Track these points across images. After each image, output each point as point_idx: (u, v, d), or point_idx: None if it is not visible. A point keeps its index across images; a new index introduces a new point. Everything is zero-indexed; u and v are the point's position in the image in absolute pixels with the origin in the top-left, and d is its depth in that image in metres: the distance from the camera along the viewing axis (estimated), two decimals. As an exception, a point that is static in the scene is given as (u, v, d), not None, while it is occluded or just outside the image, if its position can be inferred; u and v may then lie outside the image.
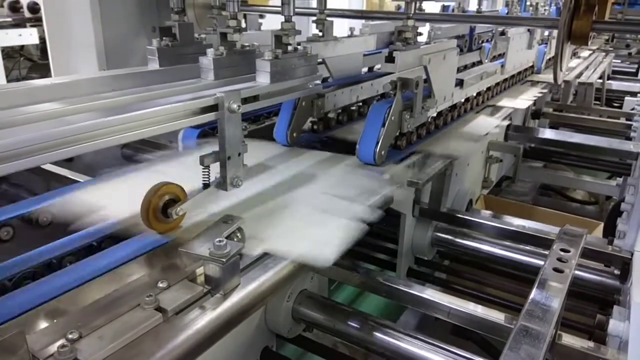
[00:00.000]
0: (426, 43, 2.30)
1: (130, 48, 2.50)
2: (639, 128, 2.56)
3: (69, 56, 2.55)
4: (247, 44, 1.44)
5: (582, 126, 3.01)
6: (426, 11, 2.23)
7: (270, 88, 1.28)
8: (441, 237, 1.68)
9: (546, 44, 3.26)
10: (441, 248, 1.73)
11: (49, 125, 0.89)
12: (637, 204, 1.42)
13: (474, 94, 2.20)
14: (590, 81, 3.32)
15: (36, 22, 4.62)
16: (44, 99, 1.07)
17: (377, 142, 1.47)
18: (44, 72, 4.74)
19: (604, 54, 4.51)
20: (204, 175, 1.15)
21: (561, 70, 1.75)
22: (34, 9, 4.62)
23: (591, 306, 1.42)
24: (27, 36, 4.60)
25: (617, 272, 1.36)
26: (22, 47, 5.14)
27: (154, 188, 1.07)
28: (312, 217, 1.19)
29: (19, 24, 4.69)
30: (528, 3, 3.69)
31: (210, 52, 1.30)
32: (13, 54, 5.16)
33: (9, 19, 4.69)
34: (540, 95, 2.71)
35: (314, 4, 1.83)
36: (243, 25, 1.44)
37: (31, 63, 5.33)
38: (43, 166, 1.64)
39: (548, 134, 2.53)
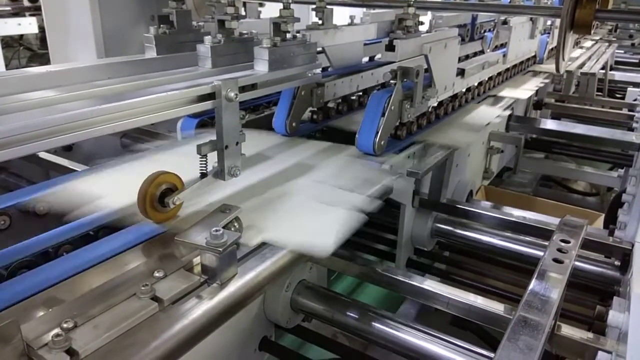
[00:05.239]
0: (427, 32, 2.28)
1: (129, 37, 2.49)
2: (641, 119, 2.54)
3: (68, 45, 2.54)
4: (245, 32, 1.42)
5: (584, 117, 2.99)
6: (427, -1, 2.21)
7: (268, 76, 1.27)
8: (441, 228, 1.67)
9: (548, 33, 3.23)
10: (441, 239, 1.72)
11: (44, 113, 0.88)
12: (639, 195, 1.41)
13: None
14: (592, 72, 3.30)
15: (35, 11, 4.58)
16: (40, 87, 1.06)
17: (377, 132, 1.46)
18: (44, 61, 4.73)
19: (606, 44, 4.47)
20: (201, 164, 1.14)
21: (563, 59, 1.73)
22: (33, -3, 4.59)
23: (591, 297, 1.41)
24: (27, 25, 4.57)
25: (617, 263, 1.36)
26: (21, 36, 5.11)
27: (150, 177, 1.06)
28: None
29: (18, 13, 4.66)
30: (531, -8, 3.64)
31: (208, 39, 1.29)
32: (12, 43, 5.14)
33: (8, 8, 4.66)
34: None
35: (314, -8, 1.80)
36: (242, 12, 1.42)
37: (31, 52, 5.31)
38: (42, 155, 1.64)
39: (550, 124, 2.51)
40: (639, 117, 2.61)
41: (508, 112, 2.33)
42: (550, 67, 2.97)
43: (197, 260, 0.94)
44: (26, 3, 4.68)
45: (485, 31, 2.97)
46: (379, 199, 1.32)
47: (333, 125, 1.79)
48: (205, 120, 1.69)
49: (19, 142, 0.81)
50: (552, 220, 1.48)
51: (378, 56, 2.28)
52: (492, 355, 0.96)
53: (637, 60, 4.74)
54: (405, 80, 1.50)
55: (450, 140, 1.70)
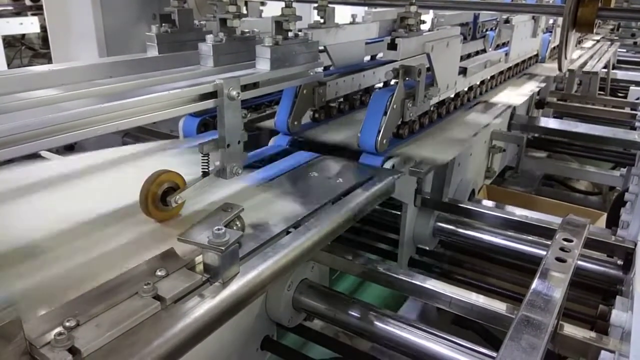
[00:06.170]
0: (429, 30, 2.28)
1: (130, 36, 2.49)
2: (644, 118, 2.53)
3: (70, 44, 2.54)
4: (247, 31, 1.42)
5: (586, 116, 2.98)
6: (429, -2, 2.20)
7: (270, 75, 1.26)
8: (443, 227, 1.67)
9: (551, 32, 3.23)
10: (443, 238, 1.72)
11: (46, 112, 0.88)
12: (642, 194, 1.41)
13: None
14: (594, 70, 3.29)
15: (37, 10, 4.59)
16: (42, 86, 1.07)
17: (379, 131, 1.46)
18: (46, 61, 4.74)
19: (609, 42, 4.46)
20: (203, 163, 1.14)
21: (565, 58, 1.73)
22: (35, -3, 4.60)
23: (593, 296, 1.41)
24: (28, 25, 4.58)
25: (620, 262, 1.36)
26: (23, 35, 5.12)
27: (152, 176, 1.06)
28: None
29: (20, 12, 4.67)
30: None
31: (209, 38, 1.29)
32: (14, 42, 5.15)
33: (10, 8, 4.67)
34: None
35: (316, -9, 1.80)
36: (244, 11, 1.42)
37: (33, 52, 5.32)
38: (44, 155, 1.64)
39: (552, 123, 2.50)
40: (641, 116, 2.60)
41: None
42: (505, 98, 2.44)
43: (199, 259, 0.93)
44: (28, 2, 4.69)
45: (487, 30, 2.96)
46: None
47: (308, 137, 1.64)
48: (207, 120, 1.69)
49: (21, 141, 0.81)
50: (555, 220, 1.48)
51: (380, 55, 2.28)
52: (494, 354, 0.96)
53: (639, 59, 4.73)
54: (407, 79, 1.50)
55: None
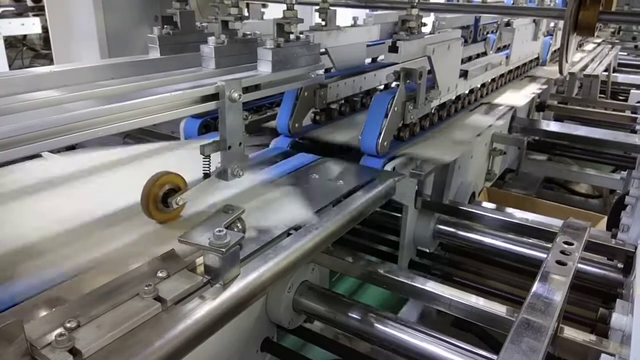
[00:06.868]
0: (430, 33, 2.28)
1: (132, 37, 2.49)
2: (644, 121, 2.53)
3: (71, 46, 2.54)
4: (248, 33, 1.42)
5: (586, 119, 2.98)
6: (431, 0, 2.21)
7: (271, 77, 1.27)
8: (443, 229, 1.67)
9: (551, 35, 3.23)
10: (443, 240, 1.72)
11: (48, 113, 0.88)
12: (642, 197, 1.41)
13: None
14: (595, 74, 3.29)
15: (39, 11, 4.61)
16: (43, 87, 1.07)
17: (380, 133, 1.46)
18: (47, 61, 4.74)
19: (610, 46, 4.47)
20: (204, 164, 1.14)
21: (566, 61, 1.73)
22: (37, -2, 4.61)
23: (594, 300, 1.41)
24: (30, 25, 4.59)
25: (620, 265, 1.35)
26: (24, 36, 5.13)
27: (154, 177, 1.07)
28: None
29: (22, 13, 4.68)
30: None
31: (211, 40, 1.29)
32: (16, 43, 5.16)
33: (12, 8, 4.68)
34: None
35: (317, -7, 1.81)
36: (245, 13, 1.43)
37: (34, 52, 5.33)
38: (45, 156, 1.64)
39: (552, 126, 2.51)
40: (642, 119, 2.60)
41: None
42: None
43: (200, 260, 0.94)
44: (29, 3, 4.70)
45: (488, 33, 2.96)
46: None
47: (311, 136, 1.66)
48: (208, 121, 1.69)
49: (22, 142, 0.81)
50: (555, 222, 1.48)
51: (381, 57, 2.28)
52: (493, 357, 0.96)
53: (640, 63, 4.74)
54: (408, 81, 1.50)
55: None
